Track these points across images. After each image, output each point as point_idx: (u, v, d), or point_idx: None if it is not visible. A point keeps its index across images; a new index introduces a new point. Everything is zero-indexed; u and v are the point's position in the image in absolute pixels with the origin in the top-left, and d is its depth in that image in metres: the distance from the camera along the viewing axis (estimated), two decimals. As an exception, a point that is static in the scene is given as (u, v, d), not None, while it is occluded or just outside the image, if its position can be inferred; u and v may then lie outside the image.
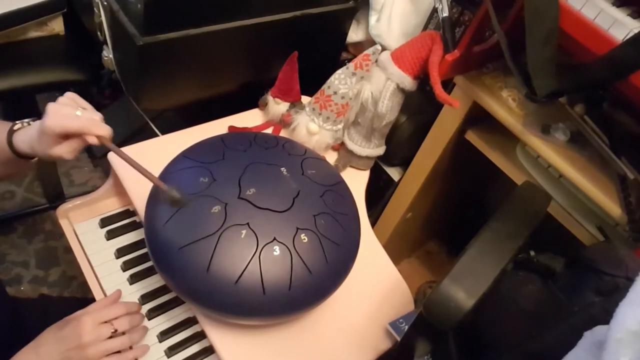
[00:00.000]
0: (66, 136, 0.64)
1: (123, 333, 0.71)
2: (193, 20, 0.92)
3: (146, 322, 0.78)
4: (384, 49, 0.99)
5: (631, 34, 0.66)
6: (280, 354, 0.74)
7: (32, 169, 1.52)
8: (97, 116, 0.66)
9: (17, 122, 0.69)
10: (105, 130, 0.66)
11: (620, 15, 0.67)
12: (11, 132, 0.68)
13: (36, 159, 0.71)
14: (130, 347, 0.72)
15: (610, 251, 0.63)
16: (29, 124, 0.69)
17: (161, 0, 0.87)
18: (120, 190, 0.88)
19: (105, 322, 0.69)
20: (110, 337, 0.68)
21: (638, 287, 0.44)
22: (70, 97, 0.67)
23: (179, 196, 0.66)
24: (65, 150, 0.65)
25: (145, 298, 0.80)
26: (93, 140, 0.65)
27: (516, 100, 0.89)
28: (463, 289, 0.54)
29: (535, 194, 0.67)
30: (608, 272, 0.57)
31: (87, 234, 0.85)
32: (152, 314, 0.79)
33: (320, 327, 0.79)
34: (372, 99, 0.93)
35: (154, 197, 0.71)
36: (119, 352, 0.69)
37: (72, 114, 0.64)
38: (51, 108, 0.63)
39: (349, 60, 0.96)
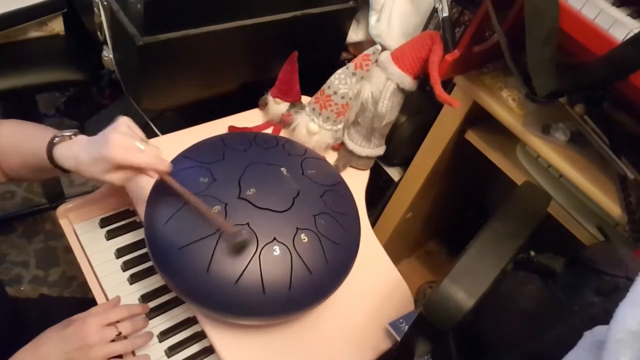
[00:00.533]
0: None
1: (126, 337, 0.71)
2: (193, 20, 0.92)
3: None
4: (384, 49, 0.99)
5: (631, 34, 0.66)
6: (280, 354, 0.74)
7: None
8: (157, 149, 0.66)
9: (57, 134, 0.66)
10: (168, 167, 0.66)
11: (620, 15, 0.68)
12: (52, 144, 0.66)
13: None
14: (133, 353, 0.72)
15: (610, 251, 0.63)
16: (70, 138, 0.67)
17: (161, 0, 0.87)
18: (120, 190, 0.88)
19: (110, 324, 0.68)
20: (114, 341, 0.68)
21: (638, 287, 0.44)
22: (127, 124, 0.65)
23: (245, 239, 0.64)
24: (119, 178, 0.64)
25: (145, 298, 0.80)
26: (153, 176, 0.65)
27: (516, 100, 0.89)
28: (463, 289, 0.54)
29: (535, 194, 0.67)
30: (608, 272, 0.57)
31: (87, 234, 0.85)
32: (152, 314, 0.79)
33: (320, 327, 0.79)
34: (372, 99, 0.93)
35: (155, 199, 0.71)
36: (120, 356, 0.69)
37: (136, 147, 0.63)
38: (113, 138, 0.61)
39: (349, 60, 0.96)
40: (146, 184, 0.75)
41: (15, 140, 0.70)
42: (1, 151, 0.69)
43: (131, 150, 0.62)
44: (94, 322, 0.66)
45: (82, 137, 0.67)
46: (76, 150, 0.64)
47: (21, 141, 0.69)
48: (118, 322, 0.70)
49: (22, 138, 0.70)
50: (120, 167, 0.63)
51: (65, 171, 0.67)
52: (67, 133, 0.67)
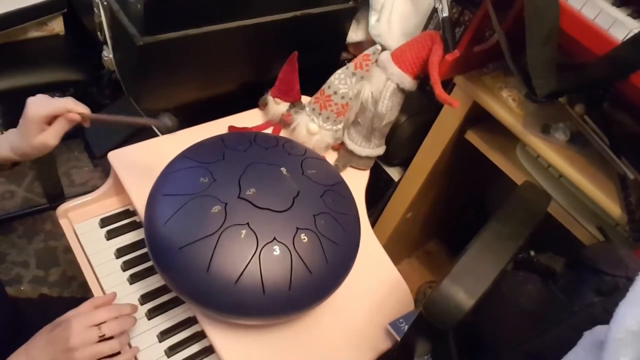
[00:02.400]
0: (49, 123, 0.69)
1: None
2: (193, 20, 0.92)
3: (146, 322, 0.78)
4: (384, 49, 0.99)
5: (631, 34, 0.66)
6: (280, 354, 0.74)
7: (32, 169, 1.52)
8: (70, 99, 0.71)
9: None
10: (85, 108, 0.71)
11: (620, 15, 0.68)
12: None
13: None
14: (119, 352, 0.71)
15: (610, 251, 0.63)
16: (2, 132, 0.73)
17: (161, 0, 0.87)
18: (120, 190, 0.88)
19: (94, 325, 0.67)
20: (101, 341, 0.67)
21: (638, 287, 0.44)
22: (42, 96, 0.71)
23: (172, 123, 0.71)
24: (50, 135, 0.69)
25: (145, 298, 0.80)
26: (75, 117, 0.70)
27: (516, 100, 0.89)
28: (463, 289, 0.54)
29: (535, 194, 0.67)
30: (608, 272, 0.57)
31: (87, 234, 0.85)
32: (152, 314, 0.79)
33: (320, 327, 0.79)
34: (372, 99, 0.93)
35: (155, 199, 0.71)
36: (111, 356, 0.68)
37: (51, 99, 0.69)
38: (29, 100, 0.68)
39: (349, 60, 0.96)
40: (146, 183, 0.75)
41: None
42: None
43: (48, 101, 0.69)
44: (77, 324, 0.65)
45: (11, 129, 0.72)
46: (8, 137, 0.71)
47: None
48: (105, 322, 0.68)
49: None
50: (45, 122, 0.68)
51: (11, 164, 0.72)
52: None
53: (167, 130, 0.73)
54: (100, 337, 0.66)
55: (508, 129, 0.88)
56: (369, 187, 1.01)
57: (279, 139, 0.83)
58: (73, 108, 0.70)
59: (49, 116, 0.68)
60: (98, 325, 0.67)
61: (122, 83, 1.03)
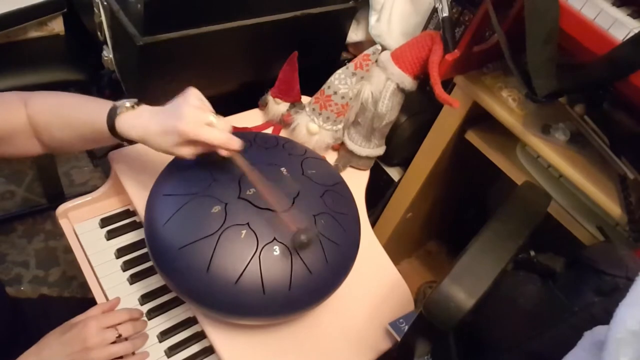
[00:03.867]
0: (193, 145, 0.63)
1: (126, 339, 0.71)
2: (193, 20, 0.92)
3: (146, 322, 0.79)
4: (384, 49, 0.99)
5: (631, 34, 0.66)
6: (280, 354, 0.74)
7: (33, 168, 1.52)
8: (229, 124, 0.65)
9: (117, 104, 0.65)
10: (239, 145, 0.65)
11: (620, 15, 0.68)
12: (113, 114, 0.64)
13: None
14: (133, 353, 0.72)
15: (610, 251, 0.63)
16: (133, 108, 0.65)
17: (161, 0, 0.87)
18: (120, 190, 0.88)
19: (110, 327, 0.68)
20: (114, 342, 0.68)
21: (638, 287, 0.44)
22: (198, 96, 0.64)
23: (310, 238, 0.63)
24: (189, 152, 0.64)
25: (145, 298, 0.80)
26: (224, 153, 0.65)
27: (516, 100, 0.89)
28: (463, 289, 0.54)
29: (535, 194, 0.67)
30: (608, 272, 0.57)
31: (87, 234, 0.85)
32: (152, 314, 0.79)
33: (320, 327, 0.79)
34: (372, 99, 0.93)
35: (155, 199, 0.71)
36: (121, 357, 0.69)
37: (208, 121, 0.62)
38: (187, 111, 0.61)
39: (349, 60, 0.96)
40: (146, 183, 0.75)
41: (64, 113, 0.68)
42: (44, 123, 0.68)
43: (204, 126, 0.61)
44: (94, 325, 0.66)
45: (146, 107, 0.66)
46: (145, 120, 0.63)
47: (71, 113, 0.68)
48: (119, 324, 0.70)
49: (72, 110, 0.68)
50: (192, 142, 0.62)
51: (128, 141, 0.66)
52: (127, 103, 0.65)
53: (299, 247, 0.64)
54: (116, 337, 0.68)
55: (508, 129, 0.88)
56: (369, 187, 1.01)
57: (279, 139, 0.83)
58: (229, 147, 0.63)
59: (200, 142, 0.62)
60: (114, 326, 0.68)
61: (122, 83, 1.03)
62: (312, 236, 0.64)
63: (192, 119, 0.61)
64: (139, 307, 0.80)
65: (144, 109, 0.66)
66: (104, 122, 0.64)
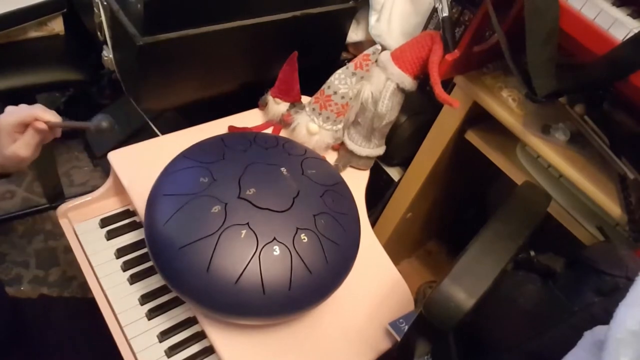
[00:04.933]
0: (21, 133, 0.67)
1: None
2: (193, 20, 0.92)
3: (146, 322, 0.79)
4: (384, 49, 0.99)
5: (631, 34, 0.66)
6: (280, 354, 0.74)
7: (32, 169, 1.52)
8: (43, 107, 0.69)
9: None
10: (53, 115, 0.69)
11: (620, 15, 0.67)
12: None
13: None
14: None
15: (610, 251, 0.63)
16: None
17: (161, 0, 0.87)
18: (120, 190, 0.88)
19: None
20: None
21: (638, 287, 0.44)
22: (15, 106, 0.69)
23: (107, 125, 0.67)
24: (20, 145, 0.67)
25: (145, 298, 0.80)
26: (41, 126, 0.67)
27: (516, 100, 0.89)
28: (463, 289, 0.54)
29: (535, 194, 0.67)
30: (608, 272, 0.57)
31: (87, 234, 0.85)
32: (152, 314, 0.79)
33: (320, 327, 0.79)
34: (372, 99, 0.93)
35: (155, 199, 0.71)
36: None
37: (21, 107, 0.68)
38: (6, 109, 0.67)
39: (349, 60, 0.96)
40: (146, 183, 0.75)
41: None
42: None
43: (19, 109, 0.67)
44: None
45: None
46: None
47: None
48: None
49: None
50: (17, 130, 0.66)
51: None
52: None
53: (99, 132, 0.69)
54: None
55: (508, 129, 0.88)
56: (369, 187, 1.01)
57: (279, 139, 0.83)
58: (40, 116, 0.67)
59: (17, 125, 0.66)
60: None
61: (122, 83, 1.03)
62: (112, 122, 0.68)
63: (7, 111, 0.67)
64: (139, 307, 0.80)
65: None
66: None
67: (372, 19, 1.15)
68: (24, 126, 0.67)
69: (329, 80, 0.94)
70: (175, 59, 0.96)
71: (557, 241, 0.77)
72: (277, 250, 0.66)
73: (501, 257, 0.56)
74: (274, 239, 0.66)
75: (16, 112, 0.67)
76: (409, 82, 0.91)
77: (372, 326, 0.81)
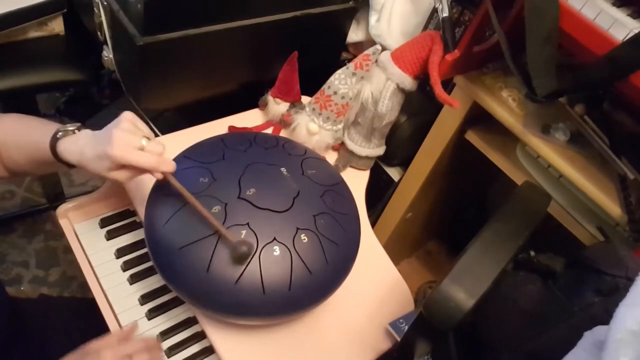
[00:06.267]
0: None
1: None
2: (193, 20, 0.92)
3: (146, 322, 0.79)
4: (384, 49, 0.99)
5: (631, 34, 0.66)
6: (280, 354, 0.74)
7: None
8: (161, 147, 0.65)
9: (60, 128, 0.66)
10: (171, 167, 0.65)
11: (620, 15, 0.67)
12: (55, 139, 0.65)
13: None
14: None
15: (610, 251, 0.63)
16: (74, 132, 0.66)
17: (161, 0, 0.87)
18: (120, 190, 0.88)
19: (125, 355, 0.65)
20: None
21: (638, 287, 0.44)
22: (131, 120, 0.64)
23: (246, 250, 0.63)
24: (124, 177, 0.64)
25: (145, 298, 0.80)
26: (158, 176, 0.65)
27: (516, 100, 0.89)
28: (463, 289, 0.54)
29: (535, 194, 0.67)
30: (608, 272, 0.57)
31: (87, 234, 0.85)
32: (152, 314, 0.79)
33: (320, 327, 0.79)
34: (372, 99, 0.93)
35: (155, 199, 0.71)
36: None
37: (139, 145, 0.62)
38: (116, 136, 0.61)
39: (349, 60, 0.95)
40: (146, 183, 0.75)
41: (17, 134, 0.69)
42: (3, 145, 0.68)
43: (134, 150, 0.62)
44: (109, 355, 0.63)
45: (86, 132, 0.66)
46: (81, 145, 0.64)
47: (23, 135, 0.69)
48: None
49: (24, 132, 0.69)
50: (124, 166, 0.63)
51: (70, 166, 0.66)
52: (70, 127, 0.66)
53: (236, 260, 0.64)
54: None
55: (508, 129, 0.88)
56: (369, 187, 1.01)
57: (279, 139, 0.83)
58: (160, 169, 0.64)
59: (130, 166, 0.62)
60: (129, 356, 0.65)
61: (122, 83, 1.03)
62: (251, 248, 0.64)
63: (121, 143, 0.61)
64: (139, 307, 0.80)
65: (83, 134, 0.66)
66: (48, 145, 0.65)
67: (372, 19, 1.15)
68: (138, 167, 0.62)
69: (329, 81, 0.94)
70: (176, 59, 0.96)
71: (557, 241, 0.77)
72: (277, 250, 0.66)
73: (501, 257, 0.56)
74: (274, 239, 0.66)
75: (135, 156, 0.61)
76: (409, 82, 0.91)
77: (372, 326, 0.81)
